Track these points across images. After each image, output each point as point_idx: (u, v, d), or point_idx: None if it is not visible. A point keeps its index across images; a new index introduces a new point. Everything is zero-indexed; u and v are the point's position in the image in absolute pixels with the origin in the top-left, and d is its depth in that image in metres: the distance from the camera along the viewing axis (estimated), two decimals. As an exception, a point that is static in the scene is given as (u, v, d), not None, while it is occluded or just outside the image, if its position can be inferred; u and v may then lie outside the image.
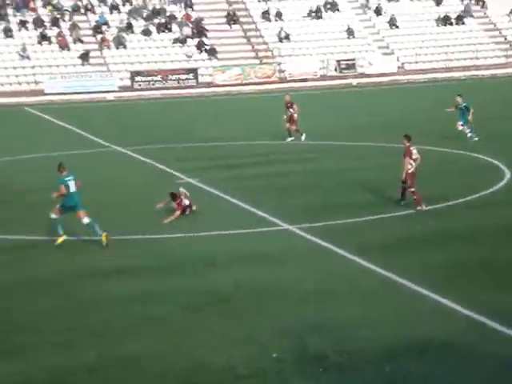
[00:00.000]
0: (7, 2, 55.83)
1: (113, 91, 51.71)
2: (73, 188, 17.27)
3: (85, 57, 53.46)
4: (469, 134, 28.24)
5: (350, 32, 59.45)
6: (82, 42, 54.70)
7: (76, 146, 30.86)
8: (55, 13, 55.90)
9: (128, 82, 53.03)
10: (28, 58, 52.82)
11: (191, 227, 18.33)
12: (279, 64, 56.42)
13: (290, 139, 29.95)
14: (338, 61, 57.28)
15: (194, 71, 54.37)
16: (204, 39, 56.83)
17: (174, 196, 19.60)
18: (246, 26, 59.28)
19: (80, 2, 57.40)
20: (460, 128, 28.16)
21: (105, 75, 52.69)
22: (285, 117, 30.21)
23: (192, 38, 56.83)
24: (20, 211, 20.52)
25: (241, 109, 44.61)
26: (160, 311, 13.12)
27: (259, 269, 15.21)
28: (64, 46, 54.03)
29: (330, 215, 18.74)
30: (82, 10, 57.04)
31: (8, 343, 12.10)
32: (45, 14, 55.94)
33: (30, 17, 55.40)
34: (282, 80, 55.62)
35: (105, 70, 53.42)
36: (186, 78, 54.02)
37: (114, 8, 57.52)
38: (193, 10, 59.03)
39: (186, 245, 17.18)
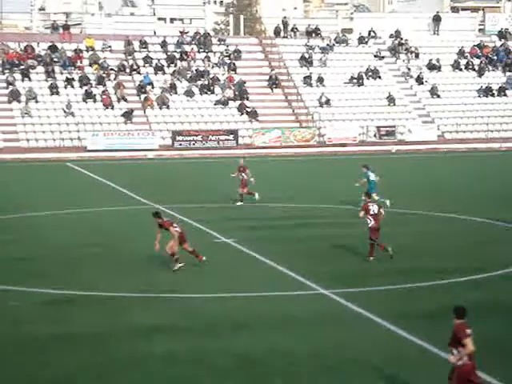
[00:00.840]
0: (55, 59, 57.27)
1: (154, 150, 52.42)
2: None
3: (128, 115, 54.40)
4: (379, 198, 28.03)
5: (391, 99, 59.82)
6: (125, 100, 55.73)
7: (115, 202, 31.20)
8: (101, 72, 57.17)
9: (169, 142, 53.73)
10: (72, 114, 53.89)
11: (225, 287, 18.33)
12: (319, 128, 56.82)
13: (239, 203, 30.21)
14: (378, 127, 57.52)
15: (234, 132, 55.00)
16: (245, 101, 57.58)
17: (158, 214, 19.89)
18: (287, 90, 59.98)
19: (126, 61, 58.67)
20: (377, 198, 27.88)
21: (147, 134, 53.50)
22: (232, 176, 30.76)
23: (234, 100, 57.63)
24: (59, 266, 20.69)
25: (279, 171, 44.87)
26: (192, 372, 13.04)
27: (293, 333, 15.10)
28: (108, 104, 55.08)
29: (366, 281, 18.64)
30: (128, 70, 58.25)
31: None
32: (91, 72, 57.21)
33: (76, 75, 56.66)
34: (321, 144, 55.95)
35: (147, 129, 54.27)
36: (226, 139, 54.60)
37: (158, 69, 58.67)
38: (236, 72, 59.97)
39: (220, 305, 17.14)
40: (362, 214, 20.61)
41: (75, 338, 14.83)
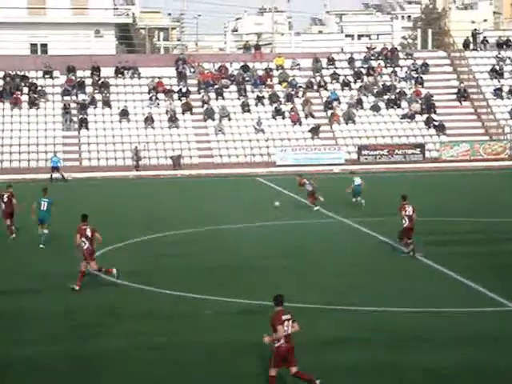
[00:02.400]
0: (246, 78, 59.49)
1: (340, 164, 53.11)
2: (43, 207, 25.15)
3: (315, 131, 55.51)
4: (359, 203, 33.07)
5: None
6: (313, 116, 56.89)
7: (303, 215, 32.08)
8: (289, 89, 58.70)
9: (355, 156, 54.25)
10: (263, 131, 55.73)
11: (409, 302, 18.38)
12: (511, 141, 55.26)
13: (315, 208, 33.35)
14: None
15: (421, 146, 54.64)
16: (433, 115, 57.04)
17: (84, 217, 19.38)
18: (476, 103, 58.76)
19: (313, 78, 59.88)
20: (354, 200, 33.23)
21: (333, 149, 54.33)
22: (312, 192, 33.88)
23: (421, 114, 57.25)
24: (249, 277, 21.50)
25: (467, 185, 44.10)
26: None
27: (483, 350, 14.93)
28: (296, 120, 56.45)
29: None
30: (315, 87, 59.42)
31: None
32: (280, 90, 58.89)
33: (266, 93, 58.52)
34: (513, 158, 54.37)
35: (333, 144, 55.10)
36: (413, 153, 54.35)
37: (345, 85, 59.40)
38: (423, 86, 59.54)
39: (403, 319, 17.19)
40: (402, 214, 22.71)
41: (264, 347, 15.45)
